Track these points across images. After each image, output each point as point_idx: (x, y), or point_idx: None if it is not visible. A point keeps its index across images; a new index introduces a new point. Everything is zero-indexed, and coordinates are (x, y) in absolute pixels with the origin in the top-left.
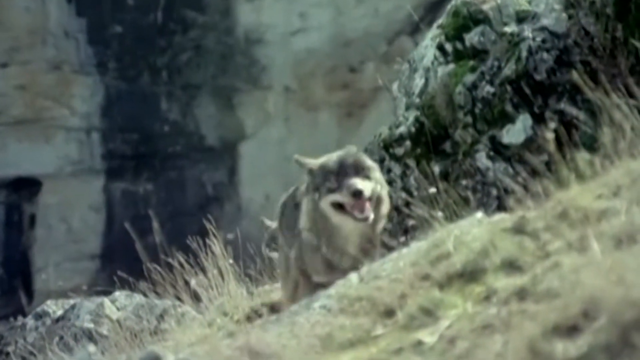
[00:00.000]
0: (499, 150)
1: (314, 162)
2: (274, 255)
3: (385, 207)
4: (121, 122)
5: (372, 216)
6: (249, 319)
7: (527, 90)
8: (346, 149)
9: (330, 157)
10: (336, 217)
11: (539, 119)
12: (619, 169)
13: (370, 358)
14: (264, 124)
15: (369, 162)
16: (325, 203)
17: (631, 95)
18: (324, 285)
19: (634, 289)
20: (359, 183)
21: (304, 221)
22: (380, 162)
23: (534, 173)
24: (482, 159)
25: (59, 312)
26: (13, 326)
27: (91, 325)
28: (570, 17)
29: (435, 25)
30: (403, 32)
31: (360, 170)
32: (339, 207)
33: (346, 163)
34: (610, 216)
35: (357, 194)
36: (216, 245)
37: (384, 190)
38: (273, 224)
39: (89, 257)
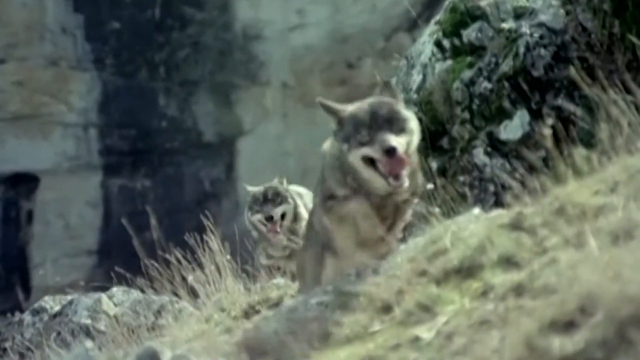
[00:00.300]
0: (496, 146)
1: (343, 109)
2: (256, 218)
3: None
4: (119, 118)
5: (406, 184)
6: (246, 315)
7: (525, 86)
8: (379, 97)
9: (361, 106)
10: (367, 172)
11: (536, 115)
12: (616, 165)
13: (368, 354)
14: (261, 120)
15: (404, 113)
16: (356, 156)
17: (628, 91)
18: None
19: (630, 284)
20: (392, 139)
21: (330, 173)
22: None
23: (532, 169)
24: (479, 155)
25: (57, 308)
26: (10, 322)
27: (88, 321)
28: (567, 13)
29: (432, 21)
30: (401, 28)
31: (394, 122)
32: (370, 162)
33: (379, 114)
34: (607, 212)
35: (391, 151)
36: (214, 241)
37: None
38: (255, 188)
39: (87, 253)
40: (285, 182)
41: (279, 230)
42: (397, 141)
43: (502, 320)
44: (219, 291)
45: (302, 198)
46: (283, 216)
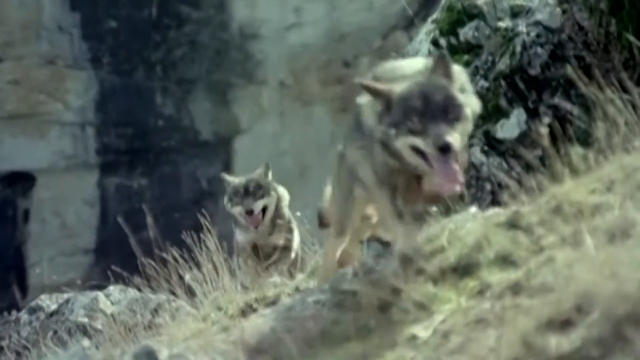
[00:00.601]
0: (493, 145)
1: (391, 90)
2: (236, 210)
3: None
4: (115, 117)
5: (459, 187)
6: (243, 313)
7: (521, 85)
8: (431, 78)
9: (412, 88)
10: (412, 159)
11: (533, 114)
12: (612, 163)
13: (365, 353)
14: (258, 119)
15: (460, 98)
16: (404, 144)
17: (625, 90)
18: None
19: (627, 283)
20: (448, 134)
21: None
22: None
23: (528, 168)
24: (476, 154)
25: (53, 307)
26: (7, 321)
27: (85, 320)
28: (564, 11)
29: (429, 20)
30: (397, 26)
31: (449, 110)
32: (418, 152)
33: (433, 100)
34: (603, 211)
35: (445, 148)
36: (210, 240)
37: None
38: (235, 179)
39: (83, 251)
40: (270, 173)
41: (260, 223)
42: (452, 136)
43: (498, 319)
44: (216, 290)
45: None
46: (264, 210)
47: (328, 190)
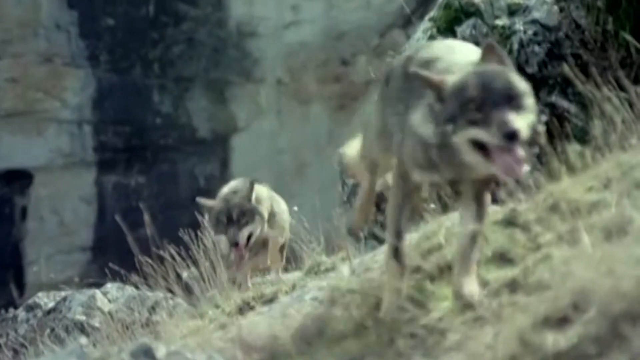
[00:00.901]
0: None
1: (444, 81)
2: (220, 239)
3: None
4: (113, 115)
5: (523, 173)
6: (240, 311)
7: None
8: (485, 65)
9: (468, 77)
10: (471, 156)
11: None
12: (609, 161)
13: (362, 350)
14: (256, 117)
15: (522, 85)
16: (463, 138)
17: (622, 88)
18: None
19: (623, 280)
20: (514, 120)
21: (423, 127)
22: None
23: None
24: None
25: (51, 304)
26: (4, 318)
27: (83, 318)
28: (561, 10)
29: (427, 18)
30: (395, 25)
31: (513, 97)
32: (479, 146)
33: (494, 87)
34: (600, 208)
35: (512, 135)
36: (208, 238)
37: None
38: (216, 204)
39: (81, 249)
40: (253, 194)
41: (245, 256)
42: (519, 122)
43: (496, 316)
44: (213, 287)
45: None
46: (249, 237)
47: (354, 142)
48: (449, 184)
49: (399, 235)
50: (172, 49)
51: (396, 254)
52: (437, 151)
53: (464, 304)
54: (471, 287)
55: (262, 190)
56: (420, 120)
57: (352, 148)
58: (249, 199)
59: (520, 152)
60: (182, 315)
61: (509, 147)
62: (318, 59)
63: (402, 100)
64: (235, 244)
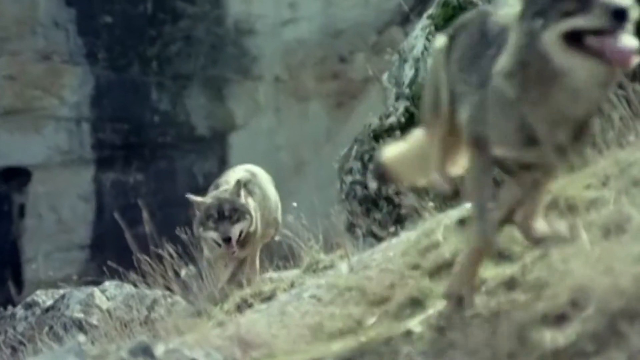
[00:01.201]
0: None
1: None
2: (210, 235)
3: None
4: (111, 112)
5: (633, 63)
6: (239, 308)
7: None
8: None
9: None
10: (566, 58)
11: None
12: (607, 159)
13: (360, 347)
14: (254, 115)
15: None
16: (554, 35)
17: (620, 85)
18: (500, 165)
19: (622, 278)
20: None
21: (503, 62)
22: (370, 152)
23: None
24: None
25: (49, 302)
26: (3, 316)
27: (81, 315)
28: None
29: (425, 15)
30: (393, 22)
31: None
32: (575, 40)
33: None
34: (598, 206)
35: (620, 13)
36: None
37: None
38: (206, 200)
39: (79, 247)
40: (242, 192)
41: (235, 250)
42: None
43: (494, 314)
44: (211, 285)
45: (256, 177)
46: (240, 234)
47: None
48: (521, 167)
49: (484, 218)
50: (170, 46)
51: (485, 240)
52: (524, 96)
53: (535, 243)
54: (539, 225)
55: (262, 172)
56: (505, 66)
57: (393, 150)
58: (238, 195)
59: (628, 36)
60: (181, 312)
61: (615, 30)
62: (316, 56)
63: (478, 58)
64: (227, 240)
